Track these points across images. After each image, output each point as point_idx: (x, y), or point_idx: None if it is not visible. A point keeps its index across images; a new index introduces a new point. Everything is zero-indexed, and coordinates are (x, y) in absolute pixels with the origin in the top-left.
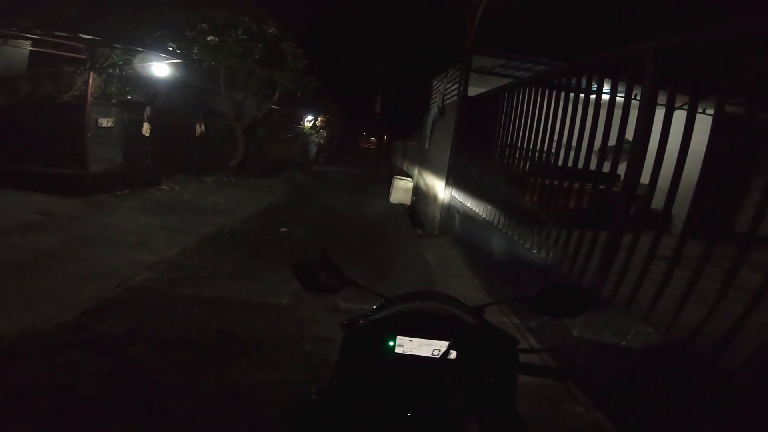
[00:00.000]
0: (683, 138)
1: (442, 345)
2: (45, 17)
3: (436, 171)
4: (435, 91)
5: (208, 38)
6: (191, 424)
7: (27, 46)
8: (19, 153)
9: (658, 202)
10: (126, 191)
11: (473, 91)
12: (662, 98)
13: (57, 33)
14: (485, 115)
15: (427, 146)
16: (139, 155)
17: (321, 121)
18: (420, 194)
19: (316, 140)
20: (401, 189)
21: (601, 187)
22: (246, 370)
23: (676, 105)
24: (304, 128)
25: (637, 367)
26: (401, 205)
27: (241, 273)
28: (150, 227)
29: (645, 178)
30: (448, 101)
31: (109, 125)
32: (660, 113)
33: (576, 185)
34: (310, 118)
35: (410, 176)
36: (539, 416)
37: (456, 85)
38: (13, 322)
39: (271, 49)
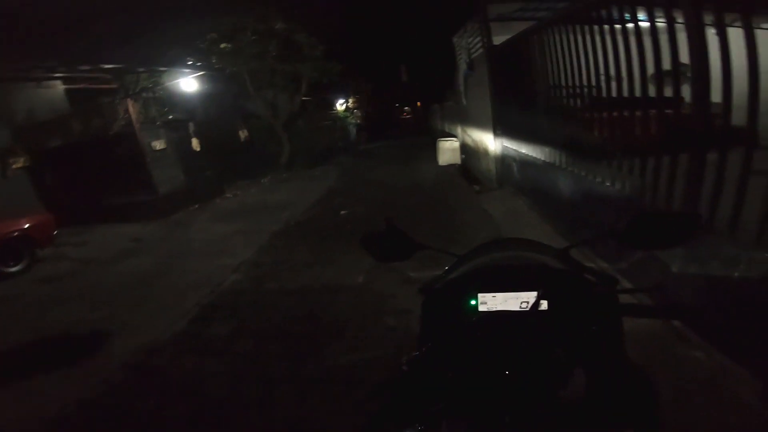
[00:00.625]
0: (748, 55)
1: (531, 296)
2: (62, 56)
3: (480, 125)
4: (458, 48)
5: (222, 46)
6: (301, 410)
7: (60, 85)
8: (95, 189)
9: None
10: (196, 205)
11: (497, 40)
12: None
13: (81, 67)
14: (518, 60)
15: (464, 103)
16: (197, 170)
17: (353, 102)
18: (469, 151)
19: (353, 121)
20: (448, 150)
21: (667, 111)
22: (339, 352)
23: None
24: (338, 112)
25: (758, 299)
26: (452, 165)
27: (314, 260)
28: (225, 233)
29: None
30: (475, 55)
31: (162, 147)
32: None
33: (640, 113)
34: (342, 101)
35: (454, 136)
36: (651, 364)
37: (479, 38)
38: (140, 338)
39: (286, 43)
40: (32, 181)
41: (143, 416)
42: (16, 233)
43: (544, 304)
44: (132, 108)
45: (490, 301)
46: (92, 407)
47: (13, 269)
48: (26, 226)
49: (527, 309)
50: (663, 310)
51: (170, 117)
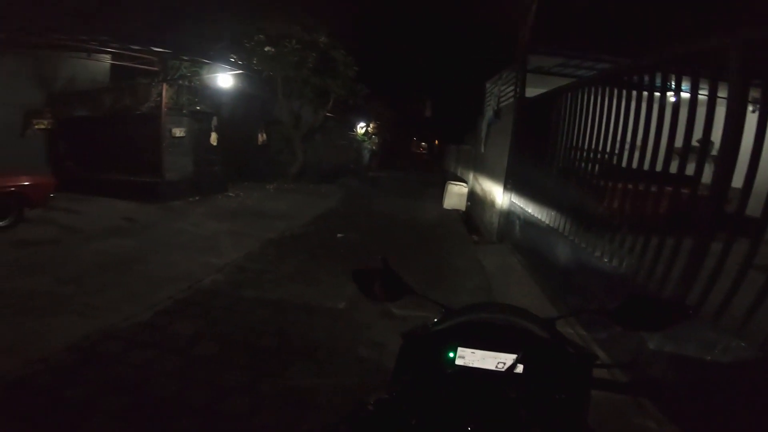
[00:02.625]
0: None
1: (509, 358)
2: (121, 32)
3: (493, 175)
4: (489, 94)
5: (266, 49)
6: (251, 425)
7: (108, 60)
8: (104, 162)
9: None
10: (197, 198)
11: (531, 92)
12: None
13: (132, 46)
14: (547, 116)
15: (482, 150)
16: (207, 163)
17: (373, 128)
18: (475, 199)
19: (369, 146)
20: (455, 194)
21: (684, 190)
22: (303, 373)
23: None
24: (357, 135)
25: (724, 384)
26: (455, 210)
27: (300, 276)
28: (218, 231)
29: (734, 182)
30: (504, 104)
31: (181, 135)
32: (749, 111)
33: (654, 189)
34: (362, 124)
35: (465, 181)
36: (606, 430)
37: (512, 87)
38: (97, 322)
39: (323, 57)
40: (48, 144)
41: (72, 404)
42: (11, 188)
43: (519, 368)
44: (165, 92)
45: (468, 357)
46: (18, 388)
47: None
48: (23, 183)
49: (503, 370)
50: (632, 388)
51: (197, 108)
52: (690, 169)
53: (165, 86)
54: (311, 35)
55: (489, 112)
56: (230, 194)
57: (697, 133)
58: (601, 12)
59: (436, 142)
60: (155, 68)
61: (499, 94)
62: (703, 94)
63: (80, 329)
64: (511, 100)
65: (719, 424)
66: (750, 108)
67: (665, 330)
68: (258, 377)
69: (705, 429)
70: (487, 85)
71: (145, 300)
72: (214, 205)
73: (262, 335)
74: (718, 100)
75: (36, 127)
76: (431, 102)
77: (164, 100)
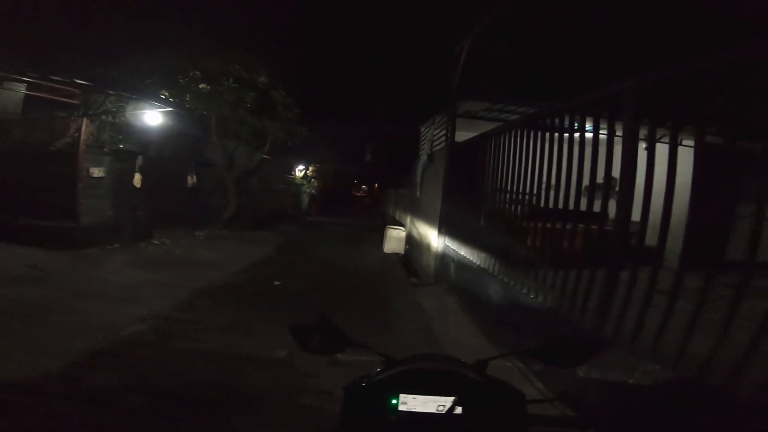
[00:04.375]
0: (668, 172)
1: (447, 400)
2: (40, 62)
3: (428, 219)
4: (424, 138)
5: (201, 86)
6: None
7: (22, 90)
8: (10, 204)
9: (647, 238)
10: (116, 245)
11: (461, 136)
12: (642, 132)
13: (52, 77)
14: (473, 161)
15: (418, 194)
16: (129, 207)
17: (312, 171)
18: (413, 243)
19: (308, 190)
20: (394, 239)
21: (593, 227)
22: (246, 427)
23: (657, 138)
24: (295, 178)
25: (647, 405)
26: (395, 254)
27: (235, 326)
28: (141, 281)
29: (634, 215)
30: (437, 148)
31: (100, 175)
32: (642, 148)
33: (569, 226)
34: (301, 167)
35: (403, 225)
36: None
37: (444, 132)
38: (1, 373)
39: (262, 97)
40: None
41: None
42: None
43: (458, 409)
44: (84, 128)
45: (410, 402)
46: None
47: None
48: None
49: (443, 412)
50: (567, 421)
51: (121, 146)
52: (598, 206)
53: (85, 121)
54: (250, 74)
55: (423, 157)
56: (155, 242)
57: (602, 171)
58: (525, 59)
59: (376, 185)
60: (75, 101)
61: (432, 138)
62: (603, 133)
63: None
64: (443, 144)
65: None
66: (643, 146)
67: (582, 365)
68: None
69: None
70: (422, 129)
71: (56, 350)
72: (136, 253)
73: (197, 388)
74: (617, 139)
75: None
76: (372, 146)
77: (83, 136)
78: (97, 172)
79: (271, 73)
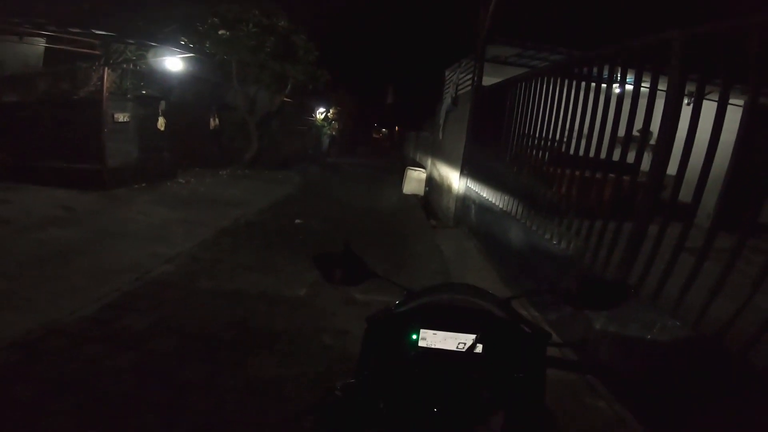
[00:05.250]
0: (713, 129)
1: (468, 338)
2: (59, 14)
3: (450, 162)
4: (448, 82)
5: (220, 32)
6: (214, 420)
7: (42, 44)
8: (40, 149)
9: (682, 193)
10: (143, 185)
11: (488, 81)
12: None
13: (71, 30)
14: (501, 105)
15: (440, 137)
16: (154, 149)
17: (333, 113)
18: (434, 185)
19: (329, 132)
20: (414, 180)
21: (625, 177)
22: (266, 364)
23: (705, 95)
24: (316, 120)
25: (662, 362)
26: (414, 196)
27: (258, 265)
28: (167, 220)
29: (670, 169)
30: (461, 92)
31: (125, 120)
32: (684, 103)
33: (598, 175)
34: (322, 110)
35: (423, 167)
36: (562, 410)
37: (470, 76)
38: (39, 317)
39: (283, 42)
40: None
41: (19, 404)
42: None
43: (479, 348)
44: (107, 77)
45: (430, 338)
46: None
47: None
48: None
49: (463, 350)
50: (583, 366)
51: (143, 92)
52: (631, 158)
53: (107, 70)
54: (270, 19)
55: (447, 100)
56: (180, 181)
57: (638, 123)
58: (558, 5)
59: (397, 128)
60: (96, 52)
61: (457, 82)
62: (645, 87)
63: (21, 325)
64: (469, 88)
65: (662, 402)
66: (686, 101)
67: (610, 309)
68: (219, 370)
69: (649, 407)
70: (447, 73)
71: (90, 293)
72: (162, 192)
73: (221, 327)
74: (658, 92)
75: None
76: (393, 89)
77: (105, 84)
78: (121, 117)
79: (291, 17)
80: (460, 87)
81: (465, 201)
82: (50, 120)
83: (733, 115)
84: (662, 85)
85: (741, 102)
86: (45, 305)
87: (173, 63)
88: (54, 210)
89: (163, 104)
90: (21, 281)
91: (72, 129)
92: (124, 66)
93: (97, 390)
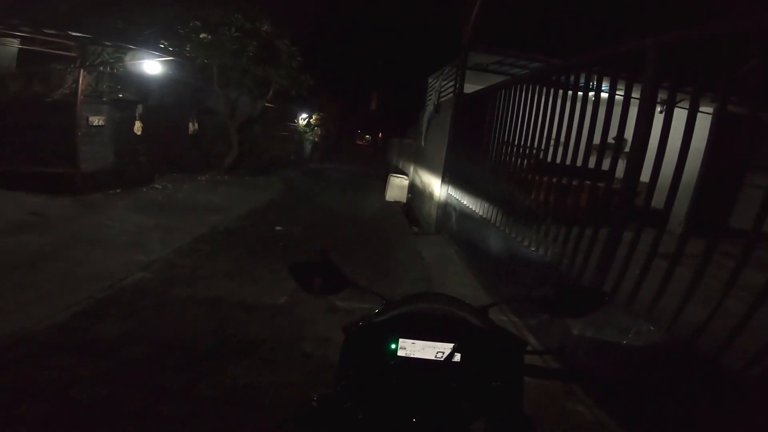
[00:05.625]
0: (684, 136)
1: (447, 347)
2: (36, 16)
3: (432, 169)
4: (431, 89)
5: (201, 36)
6: (190, 430)
7: (16, 45)
8: (10, 152)
9: (655, 200)
10: (118, 190)
11: (469, 88)
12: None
13: (46, 31)
14: (482, 112)
15: (422, 144)
16: (131, 154)
17: (316, 119)
18: (416, 192)
19: (311, 138)
20: (397, 187)
21: (600, 184)
22: (245, 373)
23: (676, 102)
24: (298, 126)
25: (638, 366)
26: (397, 202)
27: (236, 272)
28: (143, 227)
29: (643, 176)
30: (444, 99)
31: (100, 123)
32: (657, 111)
33: (575, 182)
34: (304, 115)
35: (406, 174)
36: (542, 416)
37: (452, 83)
38: (5, 325)
39: (266, 46)
40: None
41: None
42: None
43: (457, 357)
44: (82, 79)
45: (409, 347)
46: None
47: None
48: None
49: (442, 359)
50: (560, 374)
51: (120, 95)
52: (606, 165)
53: (82, 72)
54: (253, 23)
55: (430, 107)
56: (157, 186)
57: (614, 131)
58: (539, 14)
59: (380, 134)
60: (72, 54)
61: (440, 89)
62: (619, 94)
63: None
64: (451, 95)
65: (640, 406)
66: (658, 109)
67: (585, 316)
68: (195, 378)
69: (628, 410)
70: (429, 80)
71: (61, 301)
72: (138, 197)
73: (198, 335)
74: (632, 100)
75: None
76: (377, 95)
77: (80, 86)
78: (96, 120)
79: (275, 21)
80: (442, 94)
81: (446, 208)
82: (22, 122)
83: (704, 122)
84: (636, 93)
85: (711, 110)
86: (14, 313)
87: (152, 66)
88: (24, 215)
89: (140, 108)
90: None
91: (45, 132)
92: (101, 68)
93: (67, 399)
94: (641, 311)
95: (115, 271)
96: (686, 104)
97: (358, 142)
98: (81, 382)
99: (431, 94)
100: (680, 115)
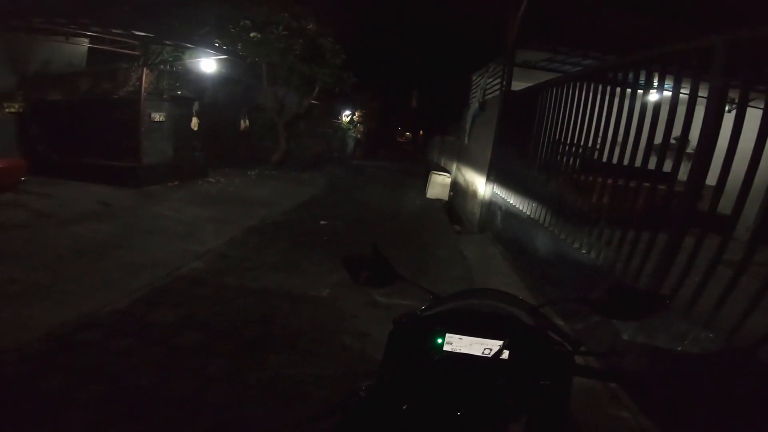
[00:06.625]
0: (759, 135)
1: (495, 344)
2: (101, 17)
3: (476, 166)
4: (475, 86)
5: (251, 35)
6: (235, 416)
7: (85, 44)
8: (80, 146)
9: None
10: (176, 183)
11: (517, 85)
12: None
13: (113, 30)
14: (531, 110)
15: (466, 141)
16: (188, 148)
17: (358, 116)
18: (458, 190)
19: (354, 135)
20: (438, 184)
21: (661, 186)
22: (286, 363)
23: (748, 102)
24: (341, 123)
25: (692, 374)
26: (439, 200)
27: (282, 264)
28: (197, 218)
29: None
30: (489, 96)
31: (160, 119)
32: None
33: (632, 184)
34: (347, 112)
35: (448, 172)
36: (584, 418)
37: (498, 80)
38: (73, 308)
39: (311, 45)
40: (19, 128)
41: (49, 395)
42: None
43: (505, 354)
44: (145, 77)
45: (456, 343)
46: None
47: None
48: None
49: (489, 356)
50: (609, 375)
51: (179, 92)
52: (667, 166)
53: (145, 71)
54: (299, 22)
55: (474, 104)
56: (211, 180)
57: (676, 131)
58: (590, 9)
59: (421, 132)
60: (136, 53)
61: (485, 86)
62: (684, 93)
63: (56, 317)
64: (497, 92)
65: (687, 415)
66: (727, 108)
67: (642, 319)
68: (241, 367)
69: (675, 420)
70: (474, 77)
71: (123, 287)
72: (193, 190)
73: (245, 324)
74: (698, 99)
75: (6, 110)
76: (417, 93)
77: (144, 84)
78: (157, 116)
79: (319, 20)
80: (487, 91)
81: (490, 206)
82: (90, 119)
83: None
84: (702, 92)
85: None
86: (80, 298)
87: (207, 64)
88: (94, 205)
89: (196, 105)
90: (59, 274)
91: (110, 127)
92: (161, 67)
93: (123, 382)
94: (700, 318)
95: (172, 260)
96: (759, 103)
97: (399, 139)
98: (137, 367)
99: (476, 92)
100: (754, 115)
